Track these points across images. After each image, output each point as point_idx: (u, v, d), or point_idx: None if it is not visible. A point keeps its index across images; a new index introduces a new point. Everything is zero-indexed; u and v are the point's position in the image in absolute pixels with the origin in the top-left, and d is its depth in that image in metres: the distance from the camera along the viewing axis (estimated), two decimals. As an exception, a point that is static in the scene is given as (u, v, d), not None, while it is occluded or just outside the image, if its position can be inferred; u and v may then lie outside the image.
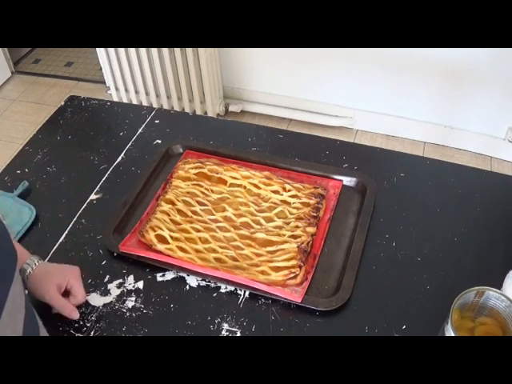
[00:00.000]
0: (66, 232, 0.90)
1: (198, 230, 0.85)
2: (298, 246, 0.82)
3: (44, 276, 0.76)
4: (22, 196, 0.96)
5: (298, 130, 1.19)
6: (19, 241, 0.88)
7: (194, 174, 0.96)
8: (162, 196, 0.92)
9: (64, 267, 0.79)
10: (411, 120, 2.12)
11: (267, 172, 0.95)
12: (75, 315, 0.76)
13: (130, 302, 0.79)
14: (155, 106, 2.16)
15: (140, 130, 1.11)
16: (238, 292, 0.80)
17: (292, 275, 0.78)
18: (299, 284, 0.79)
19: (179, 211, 0.89)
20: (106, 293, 0.81)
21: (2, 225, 0.54)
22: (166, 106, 2.17)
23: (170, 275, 0.83)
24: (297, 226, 0.86)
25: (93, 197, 0.97)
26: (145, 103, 2.21)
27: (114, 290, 0.81)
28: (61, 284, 0.76)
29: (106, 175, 1.01)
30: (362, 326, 0.75)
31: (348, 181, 0.95)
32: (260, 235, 0.85)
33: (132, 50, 2.04)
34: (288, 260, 0.80)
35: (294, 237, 0.84)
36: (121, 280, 0.82)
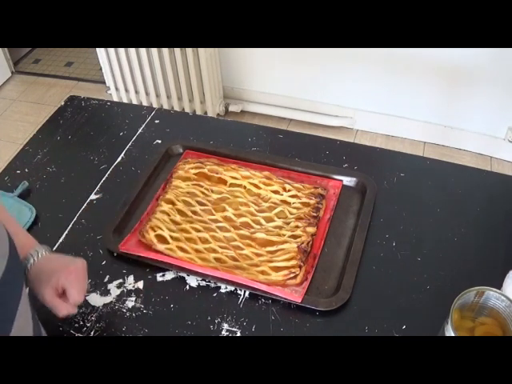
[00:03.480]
0: (66, 232, 0.90)
1: (198, 230, 0.85)
2: (297, 246, 0.82)
3: (39, 276, 0.70)
4: (22, 196, 0.96)
5: (298, 130, 1.19)
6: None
7: (194, 174, 0.96)
8: (162, 196, 0.92)
9: (59, 266, 0.72)
10: (411, 120, 2.12)
11: (267, 172, 0.95)
12: (71, 311, 0.71)
13: (130, 302, 0.79)
14: (155, 106, 2.16)
15: (140, 130, 1.11)
16: (238, 292, 0.80)
17: (292, 275, 0.78)
18: (299, 284, 0.79)
19: (179, 211, 0.89)
20: (106, 293, 0.81)
21: (11, 240, 0.53)
22: (166, 106, 2.17)
23: (169, 275, 0.83)
24: (297, 226, 0.86)
25: (93, 197, 0.97)
26: (145, 103, 2.21)
27: (114, 289, 0.81)
28: (54, 287, 0.70)
29: (106, 175, 1.01)
30: (361, 326, 0.75)
31: (348, 181, 0.95)
32: (260, 235, 0.85)
33: (132, 50, 2.04)
34: (288, 260, 0.80)
35: (294, 237, 0.84)
36: (121, 280, 0.82)
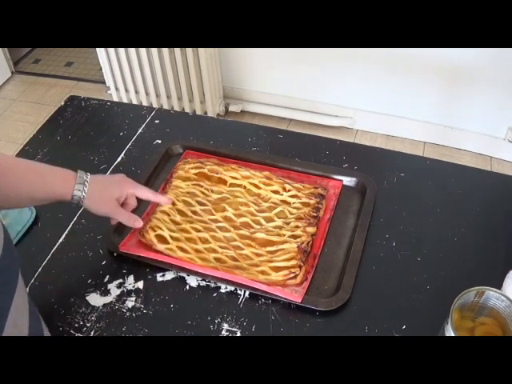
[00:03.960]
0: (66, 232, 0.90)
1: (198, 230, 0.85)
2: (297, 246, 0.82)
3: (101, 194, 0.79)
4: (22, 196, 0.96)
5: (298, 130, 1.19)
6: (19, 241, 0.88)
7: (194, 174, 0.96)
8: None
9: (117, 179, 0.83)
10: (411, 120, 2.12)
11: (267, 172, 0.95)
12: (139, 224, 0.83)
13: (130, 302, 0.79)
14: (155, 106, 2.16)
15: (140, 130, 1.11)
16: (238, 292, 0.80)
17: (292, 275, 0.78)
18: (299, 284, 0.79)
19: (179, 211, 0.89)
20: (106, 293, 0.81)
21: (7, 232, 0.53)
22: (166, 106, 2.17)
23: (169, 275, 0.83)
24: (297, 226, 0.86)
25: (93, 197, 0.96)
26: (145, 103, 2.21)
27: (114, 290, 0.81)
28: (120, 197, 0.81)
29: (106, 175, 1.01)
30: (362, 326, 0.75)
31: (348, 181, 0.95)
32: (260, 235, 0.85)
33: (132, 50, 2.04)
34: (288, 260, 0.80)
35: (294, 237, 0.84)
36: (121, 280, 0.82)
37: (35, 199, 0.77)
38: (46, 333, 0.63)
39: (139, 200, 0.93)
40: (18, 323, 0.53)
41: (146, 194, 0.85)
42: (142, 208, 0.92)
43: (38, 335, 0.59)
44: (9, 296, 0.52)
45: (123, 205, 0.83)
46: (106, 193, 0.80)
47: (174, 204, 0.90)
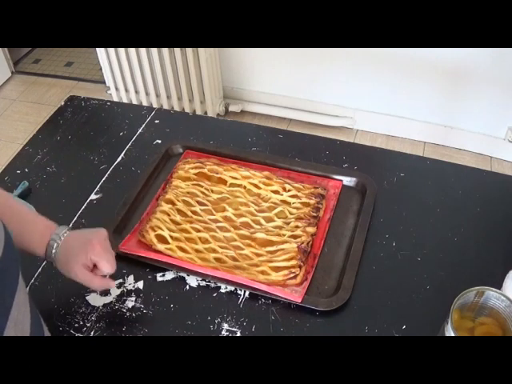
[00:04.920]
0: (66, 232, 0.90)
1: (198, 230, 0.85)
2: (297, 246, 0.82)
3: (67, 256, 0.72)
4: (22, 196, 0.96)
5: (298, 130, 1.19)
6: (19, 241, 0.88)
7: (194, 174, 0.96)
8: (162, 196, 0.92)
9: (83, 242, 0.73)
10: (411, 120, 2.12)
11: (267, 172, 0.95)
12: (110, 285, 0.75)
13: (130, 302, 0.79)
14: (155, 106, 2.16)
15: (140, 130, 1.11)
16: (238, 292, 0.80)
17: (292, 275, 0.78)
18: (299, 284, 0.79)
19: (179, 211, 0.89)
20: (106, 293, 0.81)
21: (7, 232, 0.53)
22: (165, 106, 2.17)
23: (169, 275, 0.83)
24: (297, 226, 0.86)
25: (93, 197, 0.97)
26: (145, 103, 2.21)
27: (114, 289, 0.81)
28: (84, 263, 0.72)
29: (106, 175, 1.01)
30: (362, 326, 0.75)
31: (348, 181, 0.95)
32: (260, 235, 0.85)
33: (132, 50, 2.04)
34: (288, 260, 0.80)
35: (294, 237, 0.84)
36: (121, 280, 0.82)
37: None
38: (46, 332, 0.63)
39: (139, 200, 0.93)
40: (20, 322, 0.53)
41: (105, 269, 0.73)
42: (142, 208, 0.92)
43: (38, 334, 0.59)
44: (10, 295, 0.52)
45: (95, 269, 0.74)
46: (71, 258, 0.72)
47: (173, 204, 0.90)
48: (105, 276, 0.75)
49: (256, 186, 0.93)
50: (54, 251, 0.72)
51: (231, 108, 2.29)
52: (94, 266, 0.74)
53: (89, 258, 0.72)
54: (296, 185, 0.93)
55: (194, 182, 0.94)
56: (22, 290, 0.55)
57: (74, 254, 0.72)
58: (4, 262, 0.51)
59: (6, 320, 0.50)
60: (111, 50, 2.08)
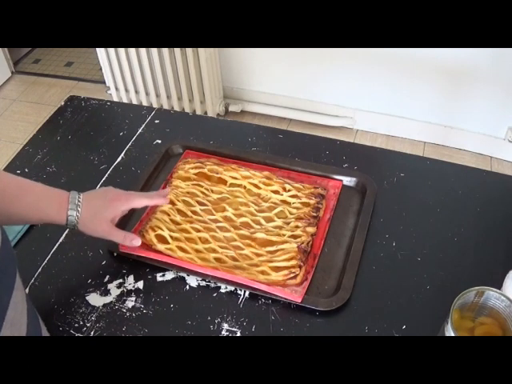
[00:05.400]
0: (66, 232, 0.90)
1: (198, 230, 0.85)
2: (297, 246, 0.82)
3: (93, 217, 0.77)
4: (22, 196, 0.96)
5: (298, 130, 1.19)
6: (19, 241, 0.88)
7: (194, 174, 0.96)
8: (162, 196, 0.92)
9: (109, 200, 0.79)
10: (411, 120, 2.12)
11: (267, 172, 0.95)
12: (137, 242, 0.79)
13: (130, 302, 0.79)
14: (155, 106, 2.16)
15: (140, 130, 1.11)
16: (238, 292, 0.80)
17: (292, 275, 0.78)
18: (299, 284, 0.79)
19: (179, 211, 0.89)
20: (106, 293, 0.81)
21: (4, 232, 0.53)
22: (166, 106, 2.17)
23: (169, 275, 0.83)
24: (297, 226, 0.86)
25: (93, 197, 0.96)
26: (145, 103, 2.21)
27: (114, 290, 0.81)
28: (114, 217, 0.78)
29: (106, 175, 1.01)
30: (362, 325, 0.75)
31: (348, 181, 0.95)
32: (260, 235, 0.85)
33: (132, 50, 2.04)
34: (288, 260, 0.80)
35: (294, 237, 0.84)
36: (121, 280, 0.82)
37: (28, 220, 0.76)
38: (45, 332, 0.63)
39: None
40: (16, 322, 0.53)
41: (141, 202, 0.82)
42: (142, 208, 0.92)
43: (36, 335, 0.58)
44: (7, 295, 0.52)
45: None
46: (98, 215, 0.77)
47: (173, 204, 0.90)
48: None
49: (256, 186, 0.93)
50: (75, 216, 0.75)
51: (231, 108, 2.29)
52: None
53: (118, 211, 0.78)
54: (296, 185, 0.93)
55: (194, 182, 0.94)
56: (20, 289, 0.55)
57: (99, 213, 0.77)
58: (1, 261, 0.51)
59: (2, 320, 0.50)
60: (111, 50, 2.08)
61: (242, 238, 0.85)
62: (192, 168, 0.96)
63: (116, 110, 1.19)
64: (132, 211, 0.91)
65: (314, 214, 0.87)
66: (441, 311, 0.65)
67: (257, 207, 0.90)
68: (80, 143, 1.10)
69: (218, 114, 2.26)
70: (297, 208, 0.89)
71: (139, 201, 0.82)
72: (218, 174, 0.95)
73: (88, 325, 0.77)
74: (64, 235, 0.90)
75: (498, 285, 0.69)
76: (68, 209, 0.75)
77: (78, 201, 0.76)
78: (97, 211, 0.77)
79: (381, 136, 2.20)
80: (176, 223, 0.87)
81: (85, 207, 0.76)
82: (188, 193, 0.92)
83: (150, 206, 0.90)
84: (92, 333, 0.76)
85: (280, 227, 0.86)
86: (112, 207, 0.78)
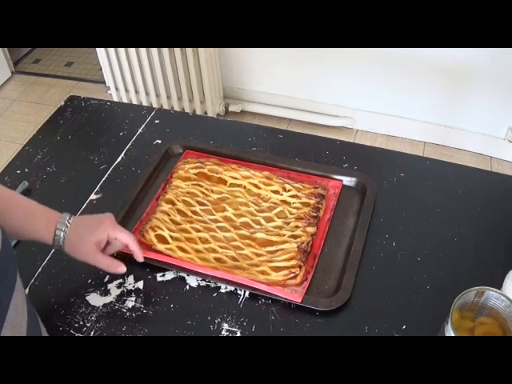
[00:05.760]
0: (66, 232, 0.90)
1: (198, 230, 0.85)
2: (297, 246, 0.82)
3: (79, 239, 0.75)
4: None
5: (298, 130, 1.19)
6: (19, 241, 0.88)
7: (193, 174, 0.96)
8: (162, 196, 0.92)
9: (98, 222, 0.77)
10: (411, 120, 2.12)
11: (267, 172, 0.95)
12: (121, 270, 0.77)
13: (130, 302, 0.79)
14: (155, 106, 2.16)
15: (140, 130, 1.11)
16: (238, 292, 0.80)
17: (292, 275, 0.78)
18: (299, 284, 0.79)
19: (179, 211, 0.89)
20: (106, 293, 0.81)
21: (5, 233, 0.53)
22: (166, 106, 2.17)
23: (169, 275, 0.83)
24: (297, 226, 0.86)
25: (93, 197, 0.97)
26: (145, 103, 2.21)
27: (114, 290, 0.81)
28: (100, 241, 0.76)
29: (106, 175, 1.01)
30: (362, 325, 0.75)
31: (348, 181, 0.95)
32: (260, 235, 0.85)
33: (132, 50, 2.04)
34: (288, 260, 0.80)
35: (294, 237, 0.84)
36: (121, 280, 0.82)
37: (16, 235, 0.74)
38: (44, 333, 0.63)
39: (139, 200, 0.93)
40: (17, 324, 0.53)
41: (125, 239, 0.78)
42: (142, 208, 0.92)
43: (35, 336, 0.58)
44: (7, 297, 0.52)
45: (107, 245, 0.78)
46: (83, 238, 0.75)
47: (173, 204, 0.90)
48: (114, 257, 0.79)
49: (256, 186, 0.93)
50: (62, 235, 0.74)
51: (231, 108, 2.29)
52: (105, 246, 0.77)
53: (105, 234, 0.75)
54: (296, 185, 0.93)
55: (194, 182, 0.94)
56: (20, 290, 0.55)
57: (85, 235, 0.75)
58: (2, 262, 0.51)
59: (3, 322, 0.50)
60: (111, 50, 2.08)
61: (242, 237, 0.85)
62: (192, 168, 0.96)
63: (116, 110, 1.19)
64: (132, 212, 0.91)
65: (314, 214, 0.87)
66: (441, 311, 0.65)
67: (257, 207, 0.90)
68: (80, 143, 1.10)
69: (218, 114, 2.26)
70: (297, 208, 0.89)
71: (123, 235, 0.77)
72: (218, 174, 0.95)
73: (88, 325, 0.77)
74: (64, 235, 0.90)
75: (498, 285, 0.69)
76: (56, 228, 0.74)
77: (68, 222, 0.75)
78: (83, 233, 0.75)
79: (381, 136, 2.20)
80: (176, 223, 0.87)
81: (72, 228, 0.75)
82: (188, 193, 0.92)
83: (147, 211, 0.90)
84: (92, 333, 0.76)
85: (280, 227, 0.86)
86: (97, 231, 0.75)
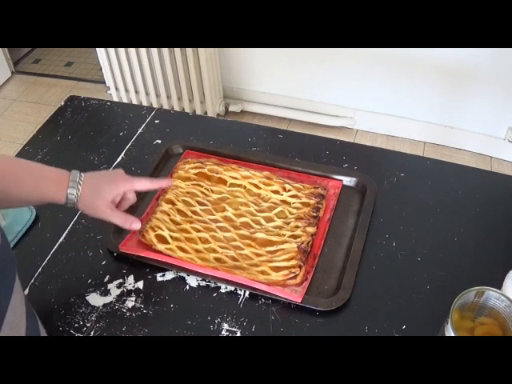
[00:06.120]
0: (66, 232, 0.90)
1: (198, 230, 0.85)
2: (297, 246, 0.82)
3: (93, 196, 0.75)
4: (22, 196, 0.96)
5: (298, 130, 1.19)
6: (19, 241, 0.89)
7: (194, 174, 0.96)
8: (162, 196, 0.92)
9: (112, 178, 0.78)
10: (411, 120, 2.12)
11: (267, 172, 0.95)
12: (136, 226, 0.79)
13: (130, 302, 0.79)
14: (155, 106, 2.16)
15: (140, 130, 1.11)
16: (238, 292, 0.80)
17: (292, 275, 0.78)
18: (299, 284, 0.79)
19: (179, 211, 0.89)
20: (106, 293, 0.81)
21: (3, 233, 0.53)
22: (165, 106, 2.17)
23: (169, 275, 0.83)
24: (297, 226, 0.86)
25: (93, 197, 0.96)
26: (145, 103, 2.21)
27: (114, 290, 0.81)
28: (115, 197, 0.77)
29: (106, 175, 1.01)
30: (362, 325, 0.75)
31: (348, 181, 0.95)
32: (260, 235, 0.85)
33: (132, 50, 2.04)
34: (288, 260, 0.80)
35: (294, 237, 0.84)
36: (121, 280, 0.82)
37: (28, 201, 0.75)
38: (43, 334, 0.63)
39: (139, 200, 0.93)
40: (15, 326, 0.53)
41: (143, 185, 0.81)
42: (142, 208, 0.92)
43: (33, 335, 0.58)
44: (5, 299, 0.52)
45: (122, 201, 0.81)
46: (98, 195, 0.76)
47: (173, 204, 0.90)
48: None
49: (256, 186, 0.93)
50: (75, 193, 0.73)
51: (231, 108, 2.29)
52: (121, 200, 0.80)
53: (120, 190, 0.77)
54: (296, 185, 0.93)
55: (194, 182, 0.94)
56: (19, 291, 0.55)
57: (102, 191, 0.76)
58: (1, 262, 0.51)
59: (1, 324, 0.49)
60: (111, 50, 2.08)
61: (242, 237, 0.85)
62: (192, 168, 0.96)
63: (116, 110, 1.19)
64: (132, 212, 0.91)
65: (314, 214, 0.87)
66: (441, 311, 0.65)
67: (257, 207, 0.90)
68: (80, 143, 1.10)
69: (218, 114, 2.26)
70: (297, 208, 0.89)
71: (140, 183, 0.80)
72: (218, 174, 0.95)
73: (88, 325, 0.77)
74: (64, 235, 0.90)
75: (498, 285, 0.69)
76: (68, 187, 0.73)
77: (80, 179, 0.75)
78: (97, 190, 0.76)
79: (381, 136, 2.20)
80: (176, 223, 0.87)
81: (85, 185, 0.74)
82: (188, 193, 0.92)
83: (154, 196, 0.90)
84: (92, 333, 0.76)
85: (280, 227, 0.86)
86: (113, 186, 0.77)
